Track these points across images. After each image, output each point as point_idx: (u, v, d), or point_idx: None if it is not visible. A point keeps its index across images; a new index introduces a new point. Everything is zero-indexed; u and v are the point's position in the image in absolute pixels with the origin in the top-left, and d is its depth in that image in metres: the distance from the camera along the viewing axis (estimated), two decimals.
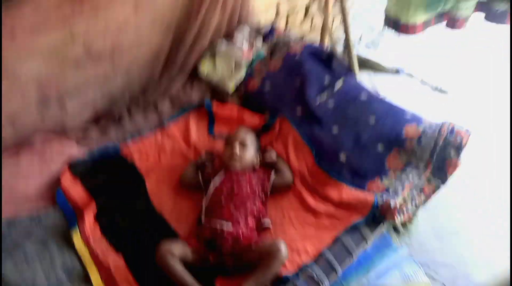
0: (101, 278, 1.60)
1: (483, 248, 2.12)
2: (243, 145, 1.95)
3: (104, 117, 2.13)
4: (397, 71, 3.13)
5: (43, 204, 1.78)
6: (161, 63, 2.26)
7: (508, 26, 2.18)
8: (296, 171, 2.00)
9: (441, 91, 2.99)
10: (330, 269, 1.63)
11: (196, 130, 2.19)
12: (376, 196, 1.81)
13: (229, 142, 1.98)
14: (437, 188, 1.90)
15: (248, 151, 1.95)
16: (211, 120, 2.24)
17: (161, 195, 1.91)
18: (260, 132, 2.14)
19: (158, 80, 2.28)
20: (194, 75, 2.36)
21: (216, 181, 1.85)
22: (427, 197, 1.88)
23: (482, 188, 2.38)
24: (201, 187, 1.91)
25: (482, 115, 2.77)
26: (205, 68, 2.38)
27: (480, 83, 3.03)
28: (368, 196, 1.82)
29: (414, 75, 3.09)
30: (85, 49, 1.96)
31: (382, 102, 2.19)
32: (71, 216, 1.77)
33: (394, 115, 2.11)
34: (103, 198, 1.83)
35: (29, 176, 1.78)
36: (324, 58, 2.36)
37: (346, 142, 2.03)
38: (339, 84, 2.25)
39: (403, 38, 2.51)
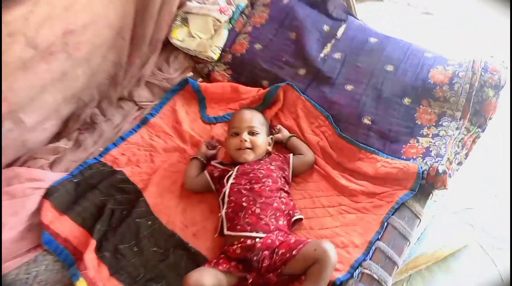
0: None
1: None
2: (252, 132, 1.62)
3: (73, 125, 1.73)
4: None
5: (31, 253, 1.45)
6: (126, 41, 1.81)
7: None
8: (315, 146, 1.70)
9: (427, 13, 2.69)
10: (389, 263, 1.40)
11: (186, 117, 1.83)
12: (419, 163, 1.55)
13: (234, 131, 1.64)
14: (477, 137, 1.66)
15: (259, 138, 1.62)
16: (201, 102, 1.88)
17: (167, 208, 1.58)
18: (262, 107, 1.80)
19: (127, 64, 1.85)
20: (169, 49, 1.96)
21: (229, 181, 1.54)
22: (469, 150, 1.64)
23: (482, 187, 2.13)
24: (211, 190, 1.61)
25: None
26: (178, 36, 1.97)
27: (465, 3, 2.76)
28: (409, 164, 1.55)
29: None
30: (29, 44, 1.53)
31: (395, 42, 1.87)
32: (68, 259, 1.45)
33: (414, 57, 1.81)
34: (100, 228, 1.50)
35: (4, 224, 1.42)
36: (318, 0, 1.99)
37: (366, 101, 1.73)
38: (341, 29, 1.90)
39: None
